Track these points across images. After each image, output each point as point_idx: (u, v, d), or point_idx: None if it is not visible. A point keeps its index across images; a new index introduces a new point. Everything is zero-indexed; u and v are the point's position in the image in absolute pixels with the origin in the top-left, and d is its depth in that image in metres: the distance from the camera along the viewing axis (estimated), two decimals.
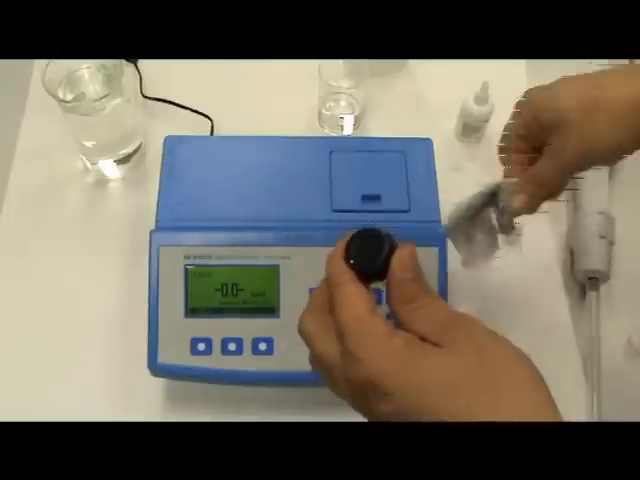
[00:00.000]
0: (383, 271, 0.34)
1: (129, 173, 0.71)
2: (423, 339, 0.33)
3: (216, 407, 0.59)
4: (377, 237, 0.35)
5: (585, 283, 0.65)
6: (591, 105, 0.41)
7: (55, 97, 0.61)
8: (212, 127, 0.71)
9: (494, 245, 0.50)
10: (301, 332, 0.37)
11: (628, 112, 0.41)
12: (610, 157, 0.45)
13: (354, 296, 0.34)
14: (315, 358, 0.36)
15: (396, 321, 0.34)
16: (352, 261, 0.35)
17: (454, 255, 0.53)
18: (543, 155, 0.46)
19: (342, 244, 0.37)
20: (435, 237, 0.55)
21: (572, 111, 0.41)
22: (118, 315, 0.62)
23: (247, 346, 0.53)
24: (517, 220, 0.50)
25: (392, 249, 0.34)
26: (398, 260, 0.34)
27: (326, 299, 0.36)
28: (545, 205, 0.50)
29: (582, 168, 0.45)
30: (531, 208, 0.48)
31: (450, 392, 0.31)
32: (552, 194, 0.47)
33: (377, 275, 0.35)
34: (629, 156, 0.71)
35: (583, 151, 0.43)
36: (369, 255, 0.35)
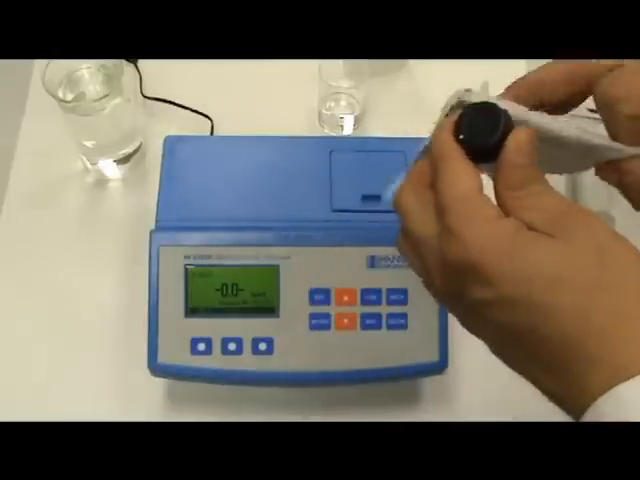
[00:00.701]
0: (495, 151, 0.31)
1: (129, 173, 0.71)
2: (533, 229, 0.30)
3: (216, 407, 0.59)
4: (493, 113, 0.31)
5: None
6: None
7: (55, 97, 0.61)
8: (212, 127, 0.71)
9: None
10: (396, 204, 0.34)
11: None
12: None
13: (462, 173, 0.31)
14: (406, 235, 0.33)
15: (504, 212, 0.31)
16: (462, 136, 0.31)
17: None
18: None
19: (453, 118, 0.32)
20: None
21: None
22: (118, 315, 0.62)
23: (247, 346, 0.53)
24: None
25: (508, 128, 0.31)
26: (514, 141, 0.31)
27: (428, 173, 0.33)
28: None
29: None
30: None
31: (558, 286, 0.28)
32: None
33: (488, 154, 0.31)
34: None
35: None
36: (482, 132, 0.31)
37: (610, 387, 0.27)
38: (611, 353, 0.28)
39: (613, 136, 0.35)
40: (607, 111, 0.34)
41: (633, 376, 0.26)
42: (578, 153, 0.35)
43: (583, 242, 0.29)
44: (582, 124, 0.34)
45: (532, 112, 0.33)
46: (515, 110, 0.32)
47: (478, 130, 0.31)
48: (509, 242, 0.29)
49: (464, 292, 0.30)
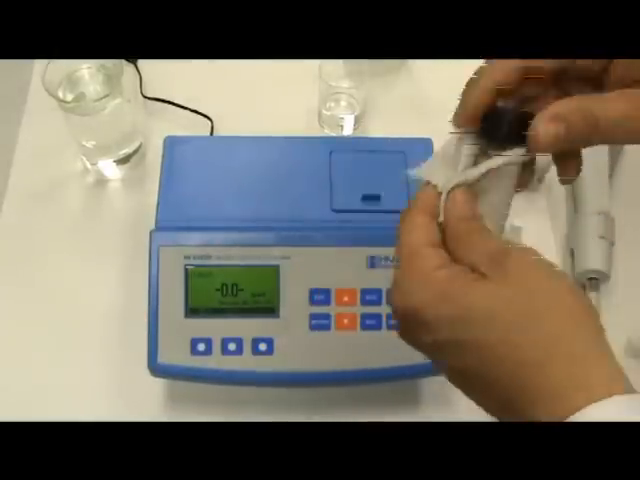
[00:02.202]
0: (510, 138, 0.34)
1: (129, 173, 0.71)
2: (475, 271, 0.32)
3: (216, 407, 0.59)
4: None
5: (585, 283, 0.65)
6: None
7: (55, 97, 0.61)
8: (212, 127, 0.71)
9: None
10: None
11: None
12: None
13: (415, 225, 0.35)
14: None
15: (453, 258, 0.34)
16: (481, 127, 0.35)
17: None
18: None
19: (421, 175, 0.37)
20: None
21: None
22: (118, 315, 0.62)
23: (247, 346, 0.53)
24: (517, 223, 0.48)
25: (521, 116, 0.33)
26: (452, 202, 0.34)
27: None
28: (545, 205, 0.49)
29: None
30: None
31: (489, 323, 0.30)
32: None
33: (505, 141, 0.35)
34: (629, 156, 0.71)
35: None
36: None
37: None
38: (548, 389, 0.29)
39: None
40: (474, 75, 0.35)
41: (578, 409, 0.28)
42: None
43: (513, 279, 0.31)
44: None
45: (466, 171, 0.36)
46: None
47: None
48: (444, 289, 0.32)
49: (416, 338, 0.33)
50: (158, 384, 0.59)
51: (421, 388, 0.61)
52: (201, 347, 0.53)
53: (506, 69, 0.34)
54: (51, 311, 0.63)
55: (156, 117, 0.73)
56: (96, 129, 0.66)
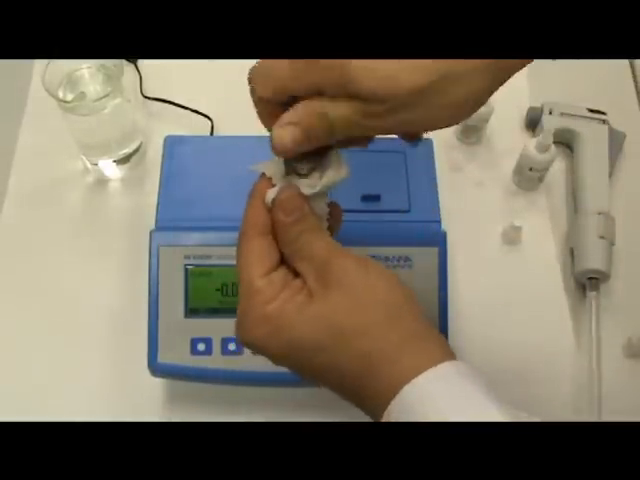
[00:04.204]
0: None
1: (129, 173, 0.71)
2: (304, 283, 0.36)
3: (216, 407, 0.59)
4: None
5: (585, 283, 0.65)
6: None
7: (55, 97, 0.61)
8: (212, 127, 0.71)
9: None
10: None
11: None
12: None
13: (250, 255, 0.37)
14: None
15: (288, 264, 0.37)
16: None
17: (453, 255, 0.53)
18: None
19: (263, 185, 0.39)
20: (435, 237, 0.55)
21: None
22: (118, 315, 0.62)
23: None
24: (517, 222, 0.49)
25: None
26: (277, 201, 0.37)
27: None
28: (545, 205, 0.49)
29: None
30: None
31: (316, 351, 0.35)
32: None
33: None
34: (628, 156, 0.71)
35: None
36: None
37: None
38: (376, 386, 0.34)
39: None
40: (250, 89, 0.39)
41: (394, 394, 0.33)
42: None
43: (334, 297, 0.35)
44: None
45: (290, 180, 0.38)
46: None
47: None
48: (276, 325, 0.35)
49: (264, 358, 0.37)
50: (158, 384, 0.59)
51: None
52: (201, 347, 0.53)
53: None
54: (51, 311, 0.63)
55: (156, 117, 0.73)
56: (96, 129, 0.66)
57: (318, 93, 0.35)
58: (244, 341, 0.37)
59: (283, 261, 0.37)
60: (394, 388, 0.33)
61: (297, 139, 0.36)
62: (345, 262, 0.36)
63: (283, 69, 0.35)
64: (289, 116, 0.35)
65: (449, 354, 0.35)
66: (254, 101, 0.38)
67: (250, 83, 0.38)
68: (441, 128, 0.37)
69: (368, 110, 0.34)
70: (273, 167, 0.39)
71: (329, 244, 0.37)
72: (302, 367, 0.36)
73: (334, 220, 0.40)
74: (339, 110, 0.35)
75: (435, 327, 0.36)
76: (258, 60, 0.37)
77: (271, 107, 0.37)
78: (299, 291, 0.36)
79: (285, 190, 0.37)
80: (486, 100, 0.36)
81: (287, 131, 0.36)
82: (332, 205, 0.40)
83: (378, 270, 0.36)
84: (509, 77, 0.36)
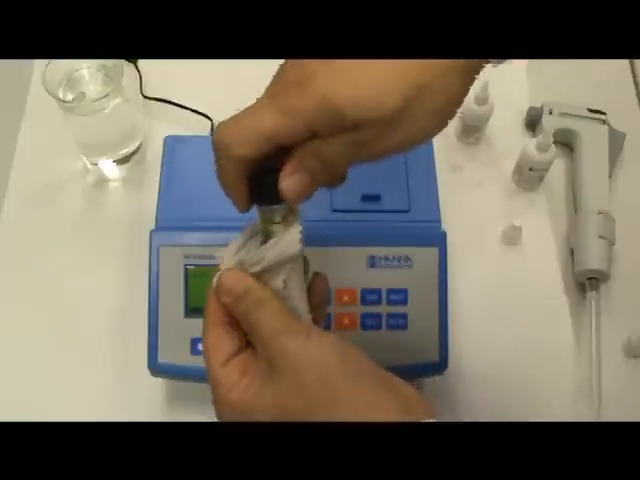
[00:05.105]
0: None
1: (129, 173, 0.71)
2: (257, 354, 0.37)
3: None
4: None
5: (585, 283, 0.65)
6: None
7: (55, 97, 0.61)
8: (212, 127, 0.71)
9: None
10: None
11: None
12: None
13: (211, 347, 0.38)
14: None
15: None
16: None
17: (453, 255, 0.53)
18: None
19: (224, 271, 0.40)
20: (435, 237, 0.55)
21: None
22: (118, 315, 0.62)
23: None
24: (517, 222, 0.48)
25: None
26: (218, 287, 0.38)
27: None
28: (545, 205, 0.49)
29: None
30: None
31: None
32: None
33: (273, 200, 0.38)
34: (628, 156, 0.71)
35: None
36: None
37: None
38: None
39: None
40: (220, 153, 0.40)
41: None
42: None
43: (283, 382, 0.35)
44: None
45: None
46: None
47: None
48: (239, 412, 0.36)
49: None
50: (158, 384, 0.59)
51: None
52: (201, 347, 0.53)
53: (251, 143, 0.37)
54: (51, 311, 0.63)
55: (156, 117, 0.73)
56: (96, 129, 0.66)
57: (309, 135, 0.35)
58: (220, 419, 0.38)
59: (249, 343, 0.38)
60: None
61: (305, 184, 0.37)
62: (283, 342, 0.35)
63: (263, 122, 0.36)
64: (292, 166, 0.36)
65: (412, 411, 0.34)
66: (227, 167, 0.39)
67: (219, 149, 0.39)
68: (433, 136, 0.37)
69: (359, 139, 0.35)
70: (227, 251, 0.40)
71: (273, 320, 0.36)
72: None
73: (315, 296, 0.41)
74: (333, 147, 0.35)
75: (396, 380, 0.36)
76: (218, 124, 0.38)
77: (243, 171, 0.38)
78: (260, 374, 0.36)
79: (224, 272, 0.39)
80: (464, 97, 0.37)
81: (295, 180, 0.37)
82: (316, 277, 0.42)
83: (320, 341, 0.35)
84: (481, 71, 0.37)
